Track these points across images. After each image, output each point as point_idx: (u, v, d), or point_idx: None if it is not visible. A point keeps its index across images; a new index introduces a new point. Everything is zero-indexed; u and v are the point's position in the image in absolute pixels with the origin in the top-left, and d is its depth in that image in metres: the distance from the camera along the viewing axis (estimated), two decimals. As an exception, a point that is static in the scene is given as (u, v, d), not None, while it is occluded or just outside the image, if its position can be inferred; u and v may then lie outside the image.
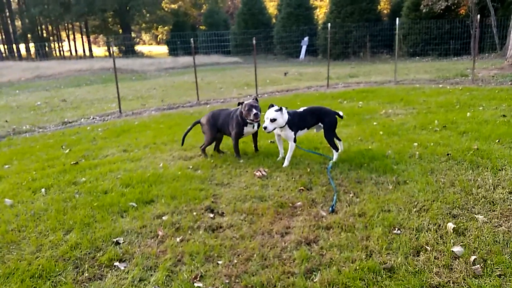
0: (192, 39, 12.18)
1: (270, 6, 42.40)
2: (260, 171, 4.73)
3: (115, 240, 3.44)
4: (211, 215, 3.79)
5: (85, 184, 4.79)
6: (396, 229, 3.29)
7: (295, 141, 5.00)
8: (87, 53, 50.49)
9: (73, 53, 52.98)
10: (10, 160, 6.12)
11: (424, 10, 21.83)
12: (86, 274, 2.98)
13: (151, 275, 2.95)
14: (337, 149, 5.04)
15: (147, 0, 44.43)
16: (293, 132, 4.93)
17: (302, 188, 4.23)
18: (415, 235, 3.18)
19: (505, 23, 19.43)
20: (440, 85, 11.15)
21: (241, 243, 3.27)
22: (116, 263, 3.10)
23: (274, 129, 4.81)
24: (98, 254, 3.25)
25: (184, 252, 3.18)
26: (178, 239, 3.39)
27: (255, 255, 3.09)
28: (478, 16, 12.93)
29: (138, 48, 50.13)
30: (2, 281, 2.94)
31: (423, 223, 3.33)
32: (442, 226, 3.27)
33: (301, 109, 5.15)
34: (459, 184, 4.01)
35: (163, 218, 3.78)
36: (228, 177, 4.73)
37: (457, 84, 11.45)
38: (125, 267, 3.05)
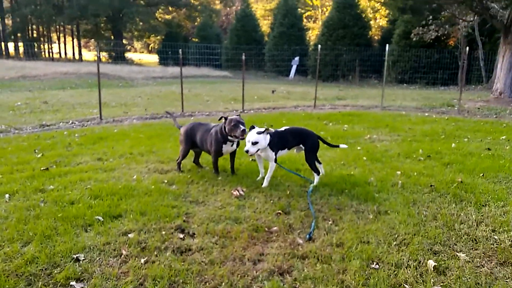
0: (180, 50, 12.00)
1: (263, 24, 42.67)
2: (238, 191, 4.53)
3: (75, 256, 3.18)
4: (181, 236, 3.56)
5: (52, 193, 4.51)
6: (375, 263, 3.11)
7: (275, 161, 4.82)
8: (77, 56, 49.94)
9: (63, 55, 52.38)
10: (-23, 162, 5.80)
11: (414, 39, 22.15)
12: (38, 294, 2.72)
13: (108, 299, 2.70)
14: (318, 173, 4.88)
15: (141, 9, 44.37)
16: (274, 153, 4.76)
17: (280, 211, 4.03)
18: (394, 271, 3.00)
19: (492, 57, 19.81)
20: (426, 114, 11.17)
21: (209, 269, 3.05)
22: (73, 283, 2.85)
23: (256, 151, 4.62)
24: (55, 271, 2.99)
25: (147, 276, 2.95)
26: (142, 260, 3.15)
27: (223, 283, 2.87)
28: (467, 48, 13.10)
29: (128, 55, 49.83)
30: None
31: (403, 259, 3.15)
32: (423, 263, 3.10)
33: (283, 129, 4.99)
34: (441, 218, 3.86)
35: (129, 235, 3.54)
36: (203, 195, 4.51)
37: (443, 113, 11.49)
38: (81, 287, 2.80)
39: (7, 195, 4.39)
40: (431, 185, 4.73)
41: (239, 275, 2.98)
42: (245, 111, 11.82)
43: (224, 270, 3.03)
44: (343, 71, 25.88)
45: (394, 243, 3.42)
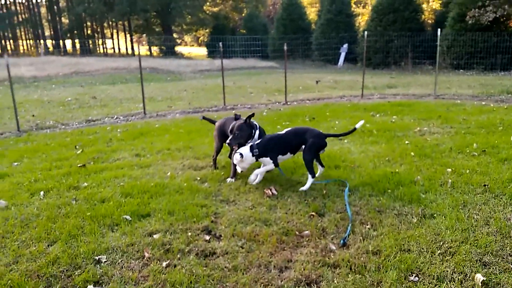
0: (221, 43, 11.86)
1: (310, 12, 41.83)
2: (271, 190, 4.30)
3: (97, 258, 3.11)
4: (207, 238, 3.40)
5: (85, 190, 4.51)
6: (414, 275, 2.79)
7: (277, 166, 4.53)
8: (130, 51, 51.51)
9: (116, 50, 54.29)
10: (21, 158, 5.98)
11: (470, 22, 20.67)
12: (56, 298, 2.66)
13: (125, 306, 2.59)
14: (313, 175, 4.44)
15: (189, 3, 44.89)
16: (271, 161, 4.43)
17: (313, 213, 3.77)
18: (436, 285, 2.67)
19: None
20: (483, 102, 10.32)
21: (232, 276, 2.86)
22: (90, 286, 2.76)
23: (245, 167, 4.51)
24: (76, 273, 2.93)
25: (167, 281, 2.81)
26: (164, 264, 3.02)
27: (244, 293, 2.68)
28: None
29: (178, 49, 50.74)
30: (-35, 299, 2.66)
31: (447, 271, 2.80)
32: (469, 277, 2.73)
33: (283, 131, 4.61)
34: (494, 224, 3.43)
35: (155, 236, 3.42)
36: (235, 193, 4.33)
37: (502, 102, 10.58)
38: (98, 293, 2.71)
39: (42, 192, 4.45)
40: (484, 185, 4.25)
41: (262, 284, 2.77)
42: (288, 103, 11.53)
43: (247, 278, 2.83)
44: (394, 57, 24.72)
45: (438, 252, 3.06)
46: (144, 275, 2.91)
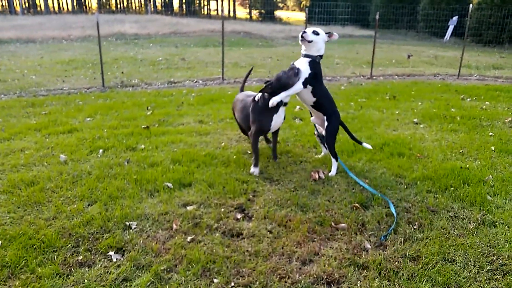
0: (307, 9, 11.36)
1: (420, -21, 38.42)
2: (318, 173, 4.04)
3: (128, 223, 3.17)
4: (238, 216, 3.29)
5: (141, 152, 4.65)
6: (451, 293, 2.42)
7: (304, 85, 4.03)
8: (232, 14, 52.30)
9: (219, 13, 55.43)
10: (95, 114, 6.35)
11: None
12: (79, 258, 2.75)
13: (138, 276, 2.60)
14: (336, 158, 4.18)
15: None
16: (301, 82, 3.99)
17: (357, 204, 3.46)
18: (474, 311, 2.29)
19: None
20: None
21: (250, 262, 2.73)
22: (111, 253, 2.82)
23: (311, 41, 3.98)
24: (103, 237, 3.01)
25: (185, 257, 2.77)
26: (189, 238, 2.99)
27: (257, 282, 2.54)
28: None
29: (278, 13, 50.33)
30: (4, 244, 2.88)
31: (493, 296, 2.39)
32: (520, 308, 2.30)
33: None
34: None
35: (188, 208, 3.40)
36: (281, 172, 4.14)
37: None
38: (117, 259, 2.75)
39: (101, 151, 4.66)
40: None
41: (278, 276, 2.61)
42: (374, 77, 10.81)
43: (265, 266, 2.69)
44: (510, 34, 21.91)
45: (488, 267, 2.62)
46: (166, 247, 2.90)
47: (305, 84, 3.98)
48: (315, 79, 4.02)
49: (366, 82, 9.94)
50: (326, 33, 4.04)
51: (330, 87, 8.97)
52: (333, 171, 4.10)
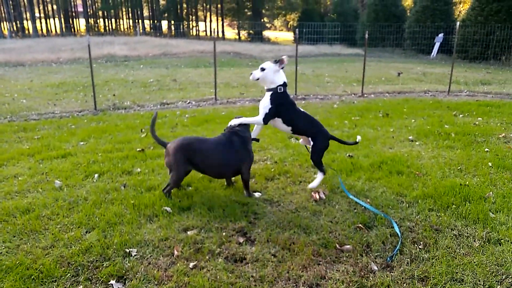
0: (297, 29, 11.52)
1: (405, -2, 39.37)
2: (319, 193, 4.01)
3: (128, 250, 3.09)
4: (241, 240, 3.23)
5: (137, 176, 4.57)
6: (463, 316, 2.38)
7: (266, 122, 4.05)
8: (220, 35, 52.75)
9: (208, 33, 55.94)
10: (88, 137, 6.26)
11: None
12: (79, 288, 2.67)
13: (141, 306, 2.52)
14: (323, 172, 4.16)
15: (280, -14, 44.70)
16: (267, 107, 3.99)
17: (360, 225, 3.43)
18: (488, 334, 2.24)
19: None
20: None
21: (256, 287, 2.67)
22: (112, 281, 2.73)
23: (259, 77, 4.01)
24: (103, 265, 2.92)
25: (188, 285, 2.69)
26: (191, 265, 2.91)
27: (264, 309, 2.47)
28: None
29: (266, 33, 50.89)
30: (1, 275, 2.77)
31: (505, 317, 2.35)
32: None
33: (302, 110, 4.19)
34: None
35: (189, 233, 3.33)
36: (280, 193, 4.10)
37: None
38: (119, 287, 2.68)
39: (96, 175, 4.58)
40: None
41: (286, 302, 2.54)
42: (365, 95, 10.90)
43: (271, 292, 2.62)
44: (495, 50, 22.40)
45: (498, 287, 2.59)
46: (169, 274, 2.82)
47: (266, 120, 4.02)
48: (280, 111, 4.01)
49: (358, 100, 10.01)
50: (276, 62, 4.01)
51: (323, 106, 9.04)
52: (315, 183, 4.09)
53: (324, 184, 4.30)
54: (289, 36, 50.21)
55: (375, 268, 2.87)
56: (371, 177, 4.45)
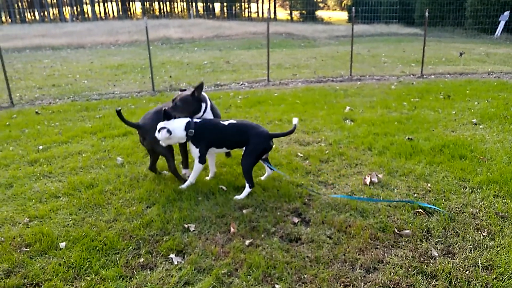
0: (353, 7, 11.12)
1: (469, -27, 36.90)
2: (371, 176, 3.90)
3: (186, 226, 3.18)
4: (295, 221, 3.23)
5: (193, 155, 4.67)
6: (533, 308, 2.24)
7: (202, 161, 3.72)
8: (272, 15, 52.32)
9: (260, 15, 55.64)
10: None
11: None
12: (140, 260, 2.78)
13: (200, 280, 2.59)
14: (251, 185, 3.65)
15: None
16: (197, 149, 3.68)
17: (420, 210, 3.31)
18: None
19: None
20: None
21: (311, 268, 2.66)
22: (172, 255, 2.83)
23: (168, 143, 3.71)
24: (163, 239, 3.03)
25: (245, 261, 2.73)
26: (247, 242, 2.95)
27: (320, 290, 2.46)
28: None
29: (319, 13, 49.87)
30: (69, 245, 2.95)
31: None
32: None
33: (225, 122, 3.74)
34: None
35: (244, 211, 3.37)
36: (335, 176, 4.04)
37: None
38: (178, 262, 2.76)
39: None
40: None
41: (343, 283, 2.52)
42: (424, 76, 10.43)
43: (328, 273, 2.60)
44: None
45: None
46: (226, 250, 2.88)
47: (202, 160, 3.76)
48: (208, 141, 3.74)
49: (417, 81, 9.60)
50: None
51: (380, 87, 8.77)
52: (241, 195, 3.66)
53: (381, 167, 4.18)
54: (343, 15, 48.82)
55: (436, 254, 2.77)
56: (432, 161, 4.27)
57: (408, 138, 5.03)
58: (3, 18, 44.08)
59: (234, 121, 3.75)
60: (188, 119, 3.66)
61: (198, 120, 3.69)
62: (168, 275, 2.64)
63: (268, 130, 3.74)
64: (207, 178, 4.00)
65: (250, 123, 3.77)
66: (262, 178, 3.96)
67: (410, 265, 2.66)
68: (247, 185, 3.65)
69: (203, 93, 3.93)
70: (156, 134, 3.57)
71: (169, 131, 3.51)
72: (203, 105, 3.89)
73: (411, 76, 10.58)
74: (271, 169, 3.89)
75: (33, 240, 3.03)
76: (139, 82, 10.33)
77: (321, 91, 8.35)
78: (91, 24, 33.72)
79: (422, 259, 2.73)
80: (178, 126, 3.59)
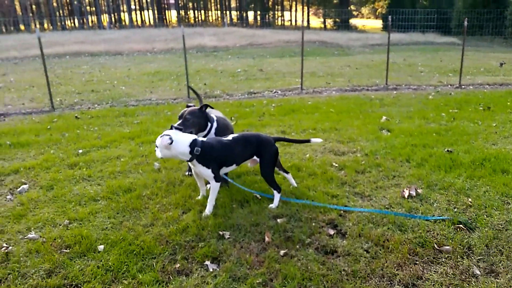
0: (390, 16, 10.97)
1: (510, -20, 35.76)
2: (410, 189, 3.80)
3: (221, 233, 3.20)
4: (331, 233, 3.18)
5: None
6: None
7: (217, 179, 3.49)
8: (305, 24, 52.33)
9: (293, 23, 55.75)
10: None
11: None
12: (177, 266, 2.81)
13: (234, 288, 2.59)
14: (279, 190, 3.65)
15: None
16: (209, 170, 3.44)
17: (461, 225, 3.20)
18: None
19: None
20: None
21: (348, 282, 2.61)
22: (207, 262, 2.84)
23: (161, 156, 3.40)
24: (199, 245, 3.05)
25: (280, 272, 2.72)
26: (282, 252, 2.94)
27: (357, 304, 2.42)
28: None
29: (353, 21, 49.45)
30: (107, 248, 3.02)
31: None
32: None
33: (229, 137, 3.61)
34: None
35: (278, 220, 3.36)
36: (372, 187, 3.96)
37: None
38: (213, 269, 2.77)
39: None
40: None
41: (380, 299, 2.46)
42: (462, 86, 10.14)
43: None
44: None
45: None
46: (260, 260, 2.87)
47: (217, 179, 3.53)
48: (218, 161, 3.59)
49: (456, 92, 9.34)
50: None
51: (417, 96, 8.60)
52: (274, 203, 3.65)
53: (420, 179, 4.08)
54: (377, 23, 48.24)
55: (478, 272, 2.66)
56: (472, 175, 4.13)
57: (448, 151, 4.89)
58: (45, 25, 46.04)
59: (237, 135, 3.65)
60: (195, 136, 3.45)
61: (204, 139, 3.50)
62: (204, 282, 2.65)
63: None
64: (198, 197, 3.82)
65: (252, 133, 3.75)
66: (293, 184, 3.96)
67: (451, 283, 2.57)
68: (275, 192, 3.65)
69: (212, 114, 3.94)
70: (158, 139, 3.36)
71: (171, 139, 3.27)
72: (209, 124, 3.86)
73: (449, 86, 10.32)
74: (286, 172, 3.96)
75: (72, 242, 3.11)
76: (175, 89, 10.53)
77: (356, 100, 8.26)
78: (128, 31, 34.67)
79: (463, 277, 2.63)
80: (182, 139, 3.35)
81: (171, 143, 3.28)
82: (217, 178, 3.48)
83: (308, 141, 3.87)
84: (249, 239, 3.13)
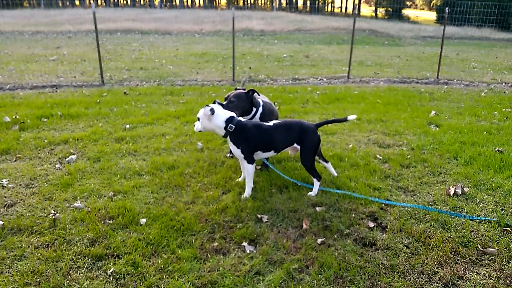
0: (447, 8, 10.48)
1: None
2: (455, 188, 3.67)
3: (260, 216, 3.23)
4: (371, 225, 3.14)
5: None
6: None
7: (250, 162, 3.49)
8: (356, 11, 51.01)
9: (343, 10, 54.55)
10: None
11: None
12: (215, 244, 2.88)
13: (270, 271, 2.62)
14: (319, 178, 3.60)
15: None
16: (239, 150, 3.44)
17: (508, 228, 3.07)
18: None
19: None
20: None
21: (386, 276, 2.58)
22: (245, 243, 2.89)
23: (200, 129, 3.51)
24: (237, 226, 3.11)
25: (316, 260, 2.72)
26: (319, 240, 2.93)
27: (393, 299, 2.39)
28: None
29: (405, 11, 47.77)
30: (148, 222, 3.13)
31: None
32: None
33: (271, 123, 3.55)
34: None
35: (317, 209, 3.35)
36: (417, 183, 3.86)
37: None
38: (250, 251, 2.82)
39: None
40: None
41: (417, 296, 2.42)
42: (510, 84, 9.62)
43: (403, 283, 2.51)
44: None
45: None
46: (297, 246, 2.88)
47: (251, 161, 3.54)
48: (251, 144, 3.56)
49: (510, 90, 8.87)
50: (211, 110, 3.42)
51: (468, 93, 8.24)
52: (314, 191, 3.64)
53: (467, 178, 3.94)
54: (431, 15, 46.33)
55: (524, 278, 2.56)
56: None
57: (498, 150, 4.68)
58: (99, 1, 47.40)
59: (278, 121, 3.62)
60: (233, 114, 3.49)
61: (242, 119, 3.54)
62: (240, 263, 2.69)
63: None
64: (239, 179, 3.85)
65: (295, 120, 3.68)
66: (333, 173, 3.93)
67: (494, 286, 2.49)
68: (314, 180, 3.63)
69: (259, 99, 3.94)
70: (200, 110, 3.46)
71: (212, 110, 3.38)
72: (254, 109, 3.85)
73: (503, 84, 9.80)
74: (326, 161, 3.90)
75: (116, 213, 3.24)
76: (220, 71, 10.61)
77: (404, 92, 8.02)
78: (178, 11, 35.18)
79: (508, 281, 2.53)
80: (221, 114, 3.44)
81: (212, 113, 3.39)
82: (249, 160, 3.50)
83: (346, 119, 3.79)
84: (286, 225, 3.15)
